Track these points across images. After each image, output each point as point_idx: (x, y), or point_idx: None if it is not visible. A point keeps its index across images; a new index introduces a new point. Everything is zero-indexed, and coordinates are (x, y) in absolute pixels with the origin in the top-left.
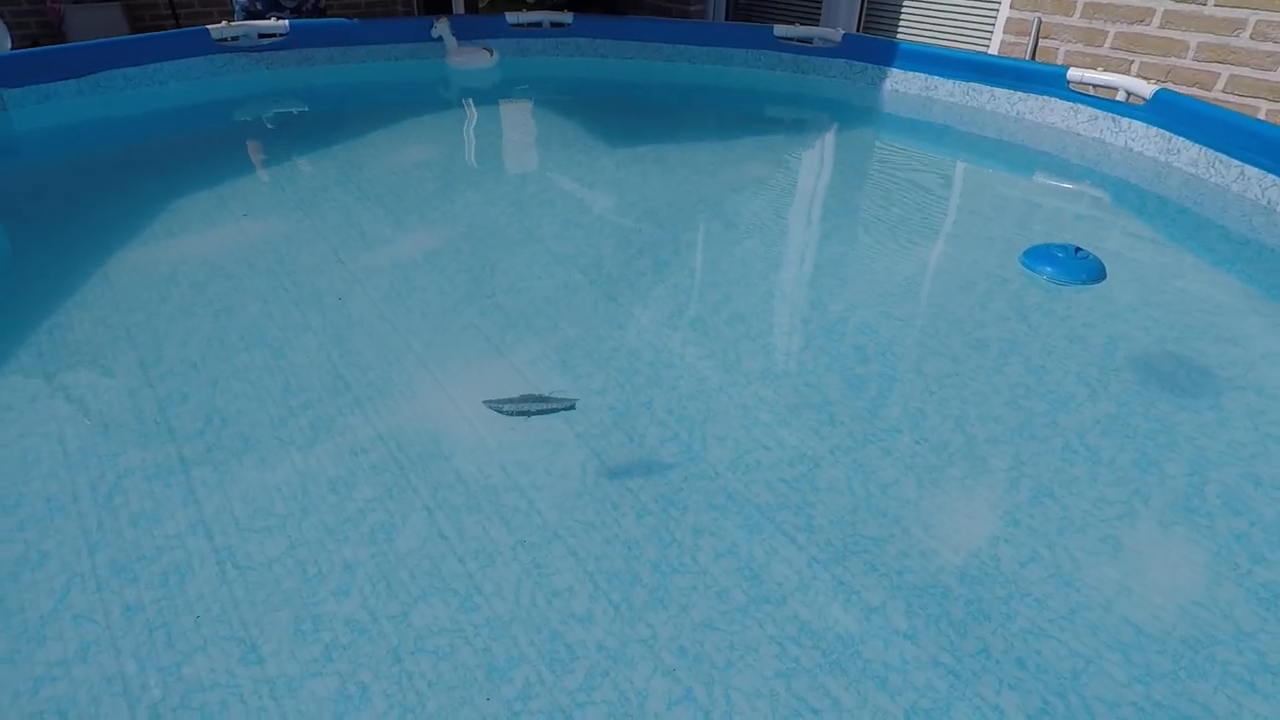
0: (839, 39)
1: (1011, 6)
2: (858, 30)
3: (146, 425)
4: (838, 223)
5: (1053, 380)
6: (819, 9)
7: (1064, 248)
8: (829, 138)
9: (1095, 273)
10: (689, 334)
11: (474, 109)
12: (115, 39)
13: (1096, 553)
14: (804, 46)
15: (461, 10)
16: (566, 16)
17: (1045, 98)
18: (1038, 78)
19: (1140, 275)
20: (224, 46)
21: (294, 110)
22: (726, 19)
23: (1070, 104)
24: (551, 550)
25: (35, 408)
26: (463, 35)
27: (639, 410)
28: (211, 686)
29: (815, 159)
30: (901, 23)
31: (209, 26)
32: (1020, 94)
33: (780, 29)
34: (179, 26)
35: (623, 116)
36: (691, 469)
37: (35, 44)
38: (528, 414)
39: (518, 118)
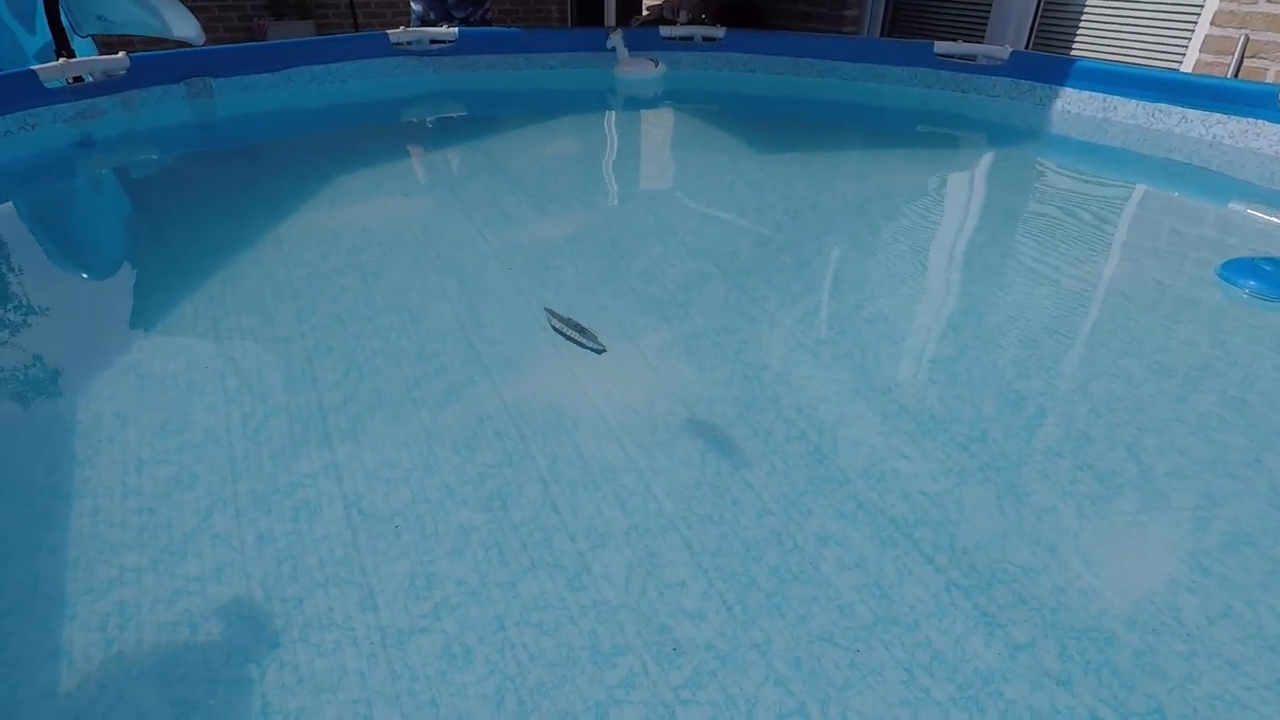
0: (1006, 56)
1: (1212, 23)
2: (1027, 48)
3: (295, 371)
4: (998, 234)
5: (1257, 414)
6: (984, 26)
7: (1273, 260)
8: (990, 154)
9: None
10: (825, 332)
11: (623, 113)
12: (308, 39)
13: None
14: (966, 64)
15: (614, 22)
16: (719, 31)
17: (1250, 120)
18: (1242, 97)
19: None
20: (399, 50)
21: (454, 109)
22: (883, 35)
23: None
24: (666, 539)
25: (204, 345)
26: (629, 47)
27: (766, 405)
28: (329, 626)
29: (973, 172)
30: (1078, 40)
31: (388, 31)
32: (1219, 116)
33: (941, 46)
34: None
35: (769, 126)
36: (819, 471)
37: None
38: (563, 335)
39: (664, 122)
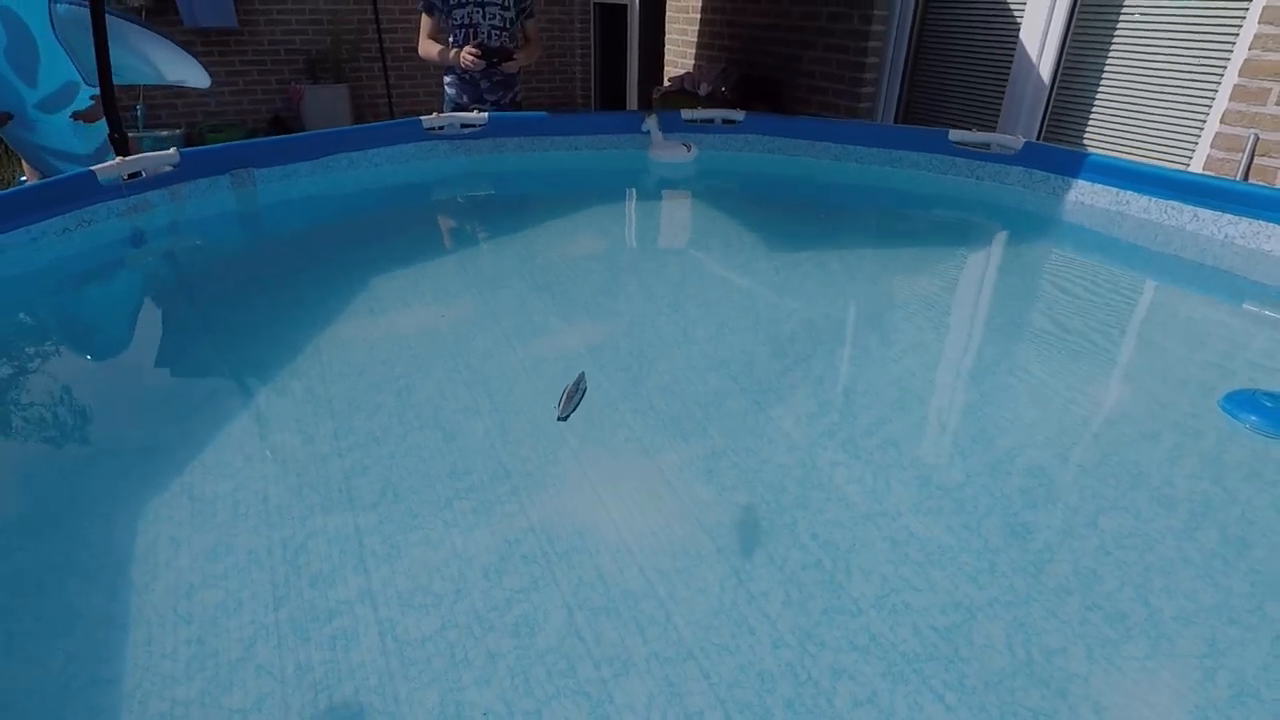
0: (1019, 146)
1: (1222, 121)
2: (1039, 137)
3: (333, 491)
4: (1007, 347)
5: (1258, 557)
6: (998, 108)
7: (1273, 396)
8: (1002, 251)
9: None
10: (838, 455)
11: (644, 203)
12: (346, 129)
13: None
14: (979, 152)
15: (635, 92)
16: (738, 114)
17: (1261, 223)
18: (1253, 200)
19: None
20: (431, 134)
21: (484, 196)
22: (898, 111)
23: None
24: (684, 669)
25: (251, 465)
26: (663, 130)
27: (782, 531)
28: None
29: (985, 274)
30: (1089, 131)
31: (421, 118)
32: (1230, 216)
33: (956, 134)
34: (391, 104)
35: (785, 215)
36: (833, 602)
37: (277, 118)
38: (566, 389)
39: (685, 214)
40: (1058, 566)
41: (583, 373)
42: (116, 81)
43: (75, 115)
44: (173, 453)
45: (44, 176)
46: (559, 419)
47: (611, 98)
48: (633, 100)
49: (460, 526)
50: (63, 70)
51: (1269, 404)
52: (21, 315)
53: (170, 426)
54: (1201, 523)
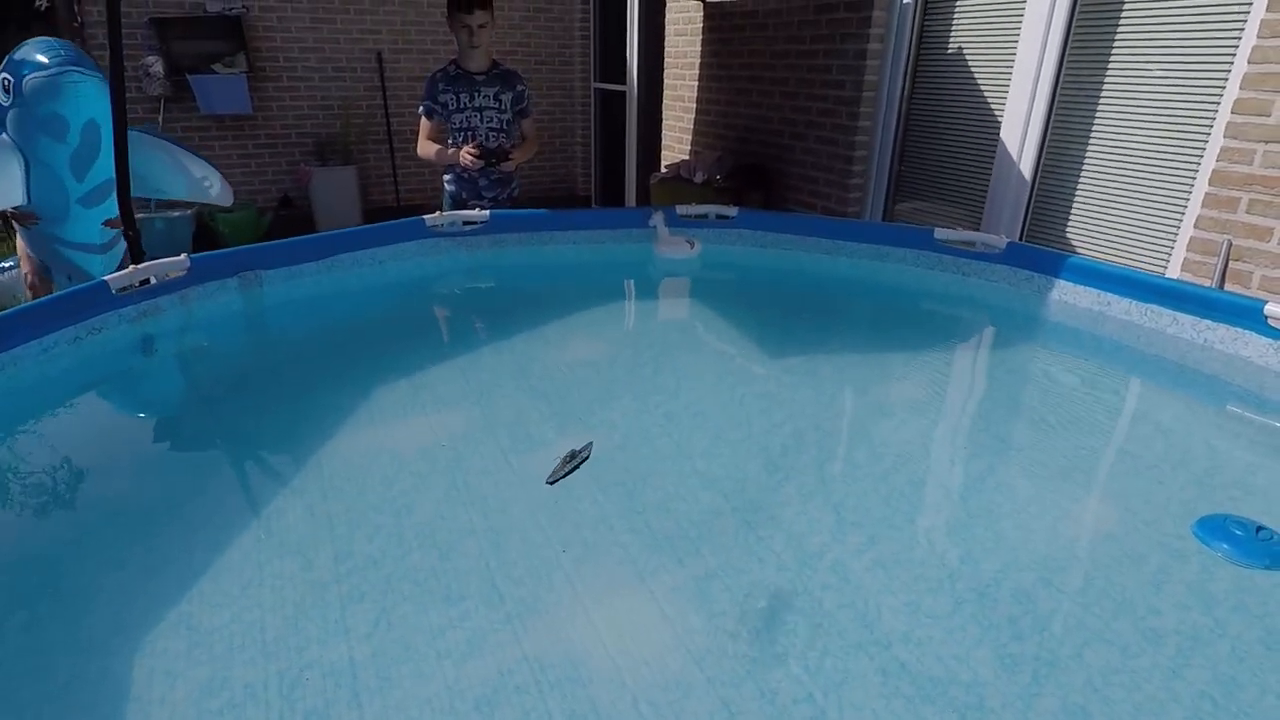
0: (1003, 246)
1: (1196, 226)
2: (1021, 235)
3: (329, 621)
4: (994, 463)
5: (1249, 697)
6: (983, 198)
7: (1243, 524)
8: (988, 354)
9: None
10: (828, 578)
11: (641, 303)
12: (350, 230)
13: None
14: (965, 250)
15: (634, 180)
16: (731, 210)
17: (1238, 329)
18: (1229, 309)
19: None
20: (434, 232)
21: (484, 289)
22: (887, 199)
23: (1271, 340)
24: None
25: (249, 593)
26: (669, 226)
27: (773, 661)
28: None
29: (972, 381)
30: (1070, 230)
31: (424, 217)
32: (1208, 322)
33: (941, 232)
34: (397, 184)
35: (779, 316)
36: None
37: (286, 197)
38: (569, 451)
39: (680, 315)
40: (1045, 702)
41: (590, 442)
42: (162, 196)
43: (107, 222)
44: (173, 577)
45: (40, 264)
46: (548, 482)
47: (611, 180)
48: (632, 184)
49: (453, 657)
50: (107, 168)
51: (1239, 532)
52: (32, 426)
53: (172, 545)
54: (1192, 658)
